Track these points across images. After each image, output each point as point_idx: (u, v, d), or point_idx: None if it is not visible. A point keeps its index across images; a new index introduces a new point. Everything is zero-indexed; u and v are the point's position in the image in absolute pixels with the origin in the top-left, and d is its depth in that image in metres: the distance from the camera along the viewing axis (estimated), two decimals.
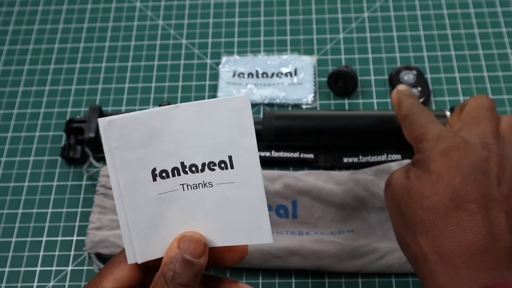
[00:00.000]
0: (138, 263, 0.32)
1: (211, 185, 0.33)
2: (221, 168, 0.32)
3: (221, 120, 0.32)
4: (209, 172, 0.32)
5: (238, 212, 0.33)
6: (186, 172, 0.32)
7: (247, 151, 0.32)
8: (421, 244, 0.36)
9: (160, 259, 0.32)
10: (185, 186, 0.33)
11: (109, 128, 0.31)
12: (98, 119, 0.31)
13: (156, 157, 0.32)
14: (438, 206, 0.35)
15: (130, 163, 0.32)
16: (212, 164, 0.32)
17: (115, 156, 0.31)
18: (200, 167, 0.32)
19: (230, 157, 0.32)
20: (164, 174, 0.32)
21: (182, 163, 0.32)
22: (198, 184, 0.33)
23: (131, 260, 0.32)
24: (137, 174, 0.32)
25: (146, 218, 0.32)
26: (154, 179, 0.32)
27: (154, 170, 0.32)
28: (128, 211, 0.32)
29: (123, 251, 0.33)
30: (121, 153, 0.31)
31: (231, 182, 0.33)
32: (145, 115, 0.32)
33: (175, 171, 0.32)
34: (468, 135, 0.38)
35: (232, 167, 0.32)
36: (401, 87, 0.44)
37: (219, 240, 0.33)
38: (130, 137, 0.31)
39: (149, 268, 0.34)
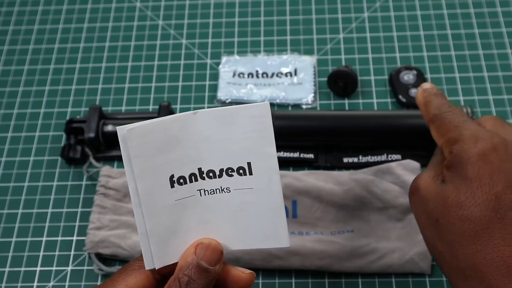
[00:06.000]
0: (156, 268, 0.33)
1: (228, 191, 0.33)
2: (240, 174, 0.33)
3: (240, 127, 0.32)
4: (227, 178, 0.33)
5: (255, 216, 0.33)
6: (203, 178, 0.33)
7: (267, 158, 0.32)
8: (459, 259, 0.32)
9: (175, 265, 0.32)
10: (202, 191, 0.33)
11: (128, 136, 0.31)
12: (117, 127, 0.31)
13: (174, 164, 0.32)
14: (479, 217, 0.32)
15: (149, 170, 0.32)
16: (230, 170, 0.33)
17: (134, 164, 0.31)
18: (218, 173, 0.33)
19: (249, 164, 0.32)
20: (181, 180, 0.32)
21: (199, 169, 0.33)
22: (216, 189, 0.33)
23: (149, 265, 0.32)
24: (155, 181, 0.32)
25: (164, 224, 0.32)
26: (172, 186, 0.32)
27: (172, 176, 0.32)
28: (146, 218, 0.32)
29: (138, 259, 0.33)
30: (140, 161, 0.31)
31: (250, 188, 0.33)
32: (163, 122, 0.32)
33: (193, 177, 0.33)
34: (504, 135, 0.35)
35: (250, 173, 0.33)
36: (426, 85, 0.40)
37: (236, 244, 0.34)
38: (149, 145, 0.31)
39: (162, 278, 0.34)
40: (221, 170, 0.33)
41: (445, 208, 0.33)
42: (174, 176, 0.32)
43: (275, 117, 0.54)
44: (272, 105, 0.58)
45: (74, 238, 0.52)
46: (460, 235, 0.32)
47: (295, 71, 0.60)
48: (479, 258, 0.31)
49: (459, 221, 0.32)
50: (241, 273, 0.33)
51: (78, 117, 0.57)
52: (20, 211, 0.53)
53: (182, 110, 0.59)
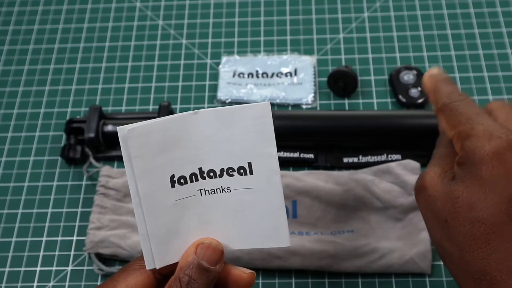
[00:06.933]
0: (157, 268, 0.33)
1: (229, 190, 0.33)
2: (240, 174, 0.33)
3: (241, 127, 0.32)
4: (228, 178, 0.33)
5: (256, 216, 0.33)
6: (204, 178, 0.33)
7: (267, 158, 0.32)
8: (469, 262, 0.31)
9: (175, 264, 0.32)
10: (203, 191, 0.33)
11: (129, 136, 0.31)
12: (118, 127, 0.31)
13: (175, 164, 0.32)
14: (491, 220, 0.30)
15: (149, 170, 0.32)
16: (231, 170, 0.33)
17: (135, 165, 0.31)
18: (218, 173, 0.33)
19: (249, 164, 0.32)
20: (182, 180, 0.32)
21: (200, 169, 0.32)
22: (216, 189, 0.33)
23: (150, 265, 0.32)
24: (156, 181, 0.32)
25: (165, 224, 0.32)
26: (173, 186, 0.32)
27: (172, 176, 0.32)
28: (147, 218, 0.32)
29: (138, 259, 0.33)
30: (141, 161, 0.31)
31: (250, 188, 0.33)
32: (164, 122, 0.32)
33: (193, 177, 0.33)
34: None
35: (251, 173, 0.33)
36: (434, 70, 0.37)
37: (236, 244, 0.34)
38: (149, 145, 0.31)
39: (163, 278, 0.34)
40: (222, 170, 0.33)
41: (455, 209, 0.32)
42: (175, 176, 0.32)
43: (275, 117, 0.53)
44: (272, 105, 0.58)
45: (74, 238, 0.52)
46: (470, 237, 0.31)
47: (295, 71, 0.60)
48: (490, 261, 0.30)
49: (470, 223, 0.31)
50: (242, 273, 0.33)
51: (78, 117, 0.57)
52: (20, 211, 0.53)
53: (182, 110, 0.59)
